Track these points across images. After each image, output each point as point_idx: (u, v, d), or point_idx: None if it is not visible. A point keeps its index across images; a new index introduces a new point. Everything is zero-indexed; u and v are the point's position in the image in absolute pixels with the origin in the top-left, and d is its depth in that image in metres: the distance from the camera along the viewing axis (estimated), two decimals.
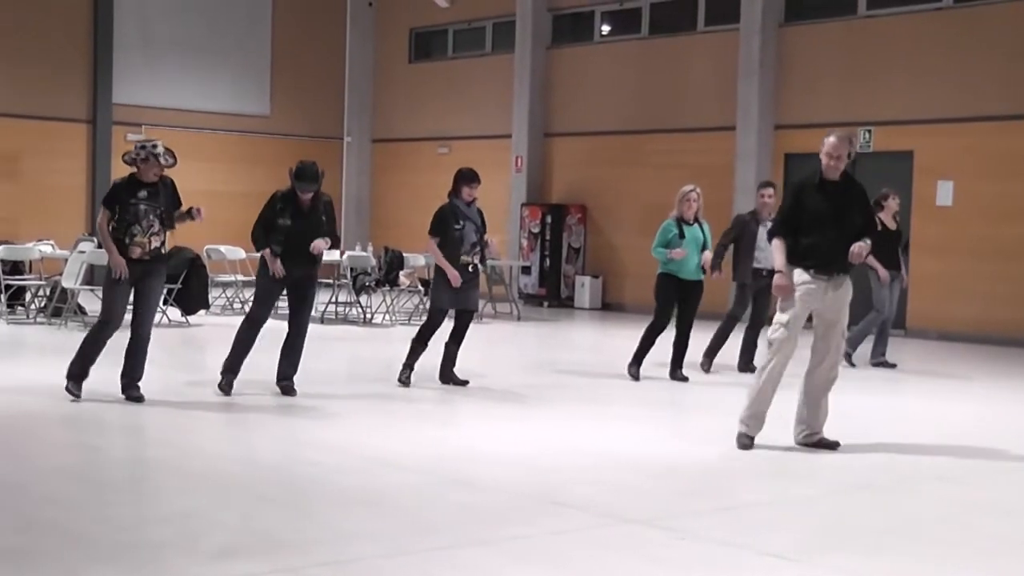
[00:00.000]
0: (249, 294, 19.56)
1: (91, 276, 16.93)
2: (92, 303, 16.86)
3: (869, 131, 19.16)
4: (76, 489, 7.28)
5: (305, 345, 10.79)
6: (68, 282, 16.27)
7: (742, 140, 20.73)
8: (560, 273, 23.25)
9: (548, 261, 23.26)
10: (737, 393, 11.89)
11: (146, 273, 9.97)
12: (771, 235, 9.10)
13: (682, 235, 12.30)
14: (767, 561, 6.06)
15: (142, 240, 9.87)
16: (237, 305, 19.32)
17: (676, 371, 12.58)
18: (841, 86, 19.79)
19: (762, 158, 20.56)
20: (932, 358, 14.26)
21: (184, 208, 10.16)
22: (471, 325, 11.75)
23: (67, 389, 9.94)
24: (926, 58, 18.79)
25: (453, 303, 11.48)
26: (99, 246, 17.30)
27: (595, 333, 19.72)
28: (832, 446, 8.91)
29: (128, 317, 10.23)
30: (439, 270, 11.42)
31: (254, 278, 19.87)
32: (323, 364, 12.62)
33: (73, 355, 10.09)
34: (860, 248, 8.82)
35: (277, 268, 10.43)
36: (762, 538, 6.50)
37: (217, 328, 16.63)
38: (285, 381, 10.66)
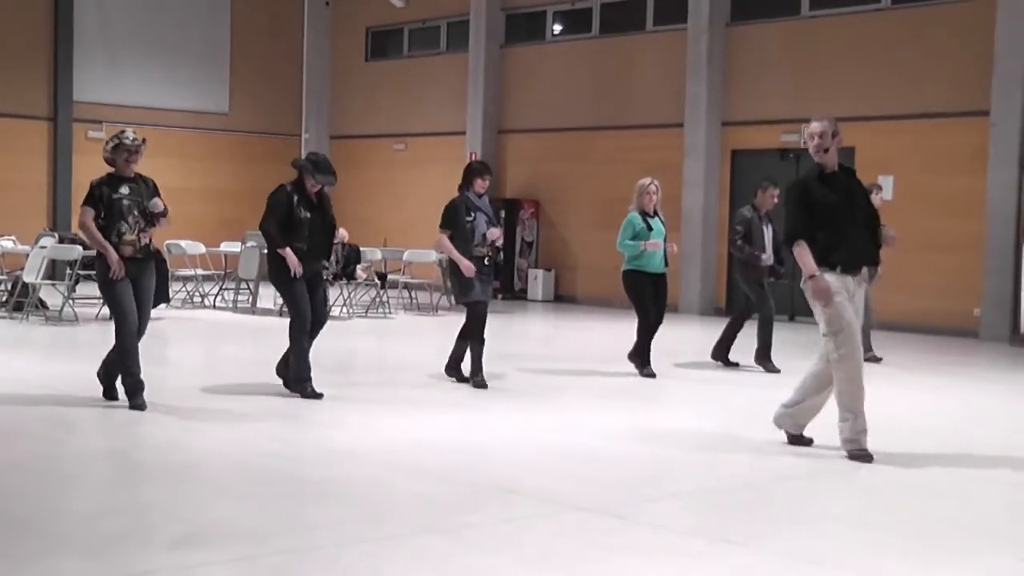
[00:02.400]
0: (209, 287, 19.53)
1: (52, 271, 16.79)
2: (53, 297, 16.73)
3: None
4: (32, 481, 7.17)
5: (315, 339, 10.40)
6: (29, 277, 16.13)
7: (690, 136, 20.79)
8: (514, 266, 23.24)
9: (502, 254, 23.24)
10: (700, 389, 11.95)
11: (140, 272, 9.43)
12: (789, 241, 8.30)
13: (649, 228, 12.14)
14: (713, 546, 6.07)
15: (132, 238, 9.35)
16: (197, 299, 19.22)
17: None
18: (786, 84, 19.90)
19: (710, 154, 20.64)
20: (874, 348, 14.33)
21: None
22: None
23: (133, 407, 9.27)
24: (867, 57, 18.92)
25: (481, 294, 11.11)
26: (65, 243, 17.12)
27: (548, 325, 19.73)
28: (807, 442, 8.54)
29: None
30: (455, 265, 11.09)
31: (216, 272, 19.84)
32: (280, 356, 12.52)
33: (120, 374, 9.48)
34: (893, 231, 8.27)
35: (299, 267, 9.98)
36: (711, 524, 6.51)
37: (178, 322, 16.52)
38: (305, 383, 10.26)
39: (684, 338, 16.26)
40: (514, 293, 23.14)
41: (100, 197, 9.35)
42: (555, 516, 6.61)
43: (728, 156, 20.69)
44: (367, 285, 19.00)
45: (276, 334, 12.74)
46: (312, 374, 10.22)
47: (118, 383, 9.57)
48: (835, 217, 8.18)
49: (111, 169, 9.50)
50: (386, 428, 9.13)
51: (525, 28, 24.40)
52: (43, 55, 24.69)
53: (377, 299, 18.84)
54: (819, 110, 18.83)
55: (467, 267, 10.97)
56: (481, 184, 11.25)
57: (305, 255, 10.05)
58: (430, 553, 5.81)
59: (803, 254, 8.16)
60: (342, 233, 10.37)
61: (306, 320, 10.12)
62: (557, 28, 23.89)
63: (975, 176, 17.63)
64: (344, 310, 18.26)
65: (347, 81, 27.29)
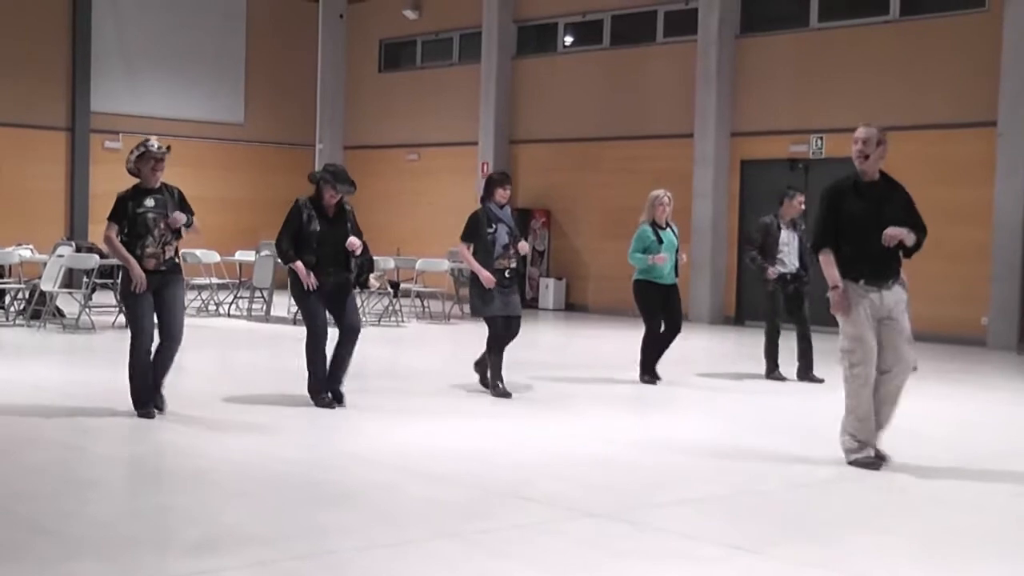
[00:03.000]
0: (224, 296, 19.56)
1: (69, 279, 16.85)
2: (70, 305, 16.78)
3: (820, 138, 19.26)
4: (51, 486, 7.19)
5: (355, 351, 10.23)
6: (47, 285, 16.18)
7: (700, 147, 20.79)
8: (525, 275, 23.24)
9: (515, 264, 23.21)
10: (710, 397, 11.94)
11: (164, 283, 9.28)
12: (815, 249, 8.22)
13: (660, 240, 12.14)
14: (724, 551, 6.06)
15: (156, 251, 9.23)
16: (212, 307, 19.26)
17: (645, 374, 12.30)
18: (794, 95, 19.89)
19: (719, 164, 20.63)
20: None
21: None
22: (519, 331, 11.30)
23: (141, 416, 9.22)
24: (875, 68, 18.91)
25: (501, 309, 11.05)
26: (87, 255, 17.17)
27: (560, 333, 19.71)
28: (883, 459, 8.19)
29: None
30: (475, 279, 11.05)
31: (230, 281, 19.89)
32: (294, 364, 12.54)
33: (129, 382, 9.39)
34: (895, 231, 7.95)
35: (311, 281, 9.89)
36: (722, 530, 6.49)
37: (192, 329, 16.48)
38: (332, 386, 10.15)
39: (695, 347, 16.24)
40: (525, 302, 23.06)
41: (125, 212, 9.24)
42: (567, 521, 6.61)
43: (737, 166, 20.68)
44: (380, 294, 19.03)
45: (289, 342, 12.77)
46: (333, 386, 10.11)
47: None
48: (861, 229, 8.01)
49: (136, 181, 9.40)
50: (399, 435, 9.14)
51: (537, 39, 24.42)
52: (61, 66, 24.78)
53: (390, 308, 18.85)
54: (826, 121, 19.00)
55: (487, 278, 10.94)
56: (502, 194, 11.16)
57: (316, 267, 9.95)
58: (443, 558, 5.81)
59: (828, 264, 8.06)
60: (352, 242, 10.19)
61: (319, 336, 10.05)
62: (568, 39, 23.91)
63: (982, 186, 17.61)
64: None
65: (361, 92, 27.34)
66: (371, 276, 19.14)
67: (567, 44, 23.93)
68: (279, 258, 10.21)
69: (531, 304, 23.10)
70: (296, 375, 10.85)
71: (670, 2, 21.87)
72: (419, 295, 20.13)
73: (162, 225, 9.28)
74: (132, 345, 9.32)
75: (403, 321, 18.86)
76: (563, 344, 18.35)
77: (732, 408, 11.15)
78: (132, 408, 9.36)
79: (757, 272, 12.88)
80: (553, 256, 23.44)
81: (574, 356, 16.29)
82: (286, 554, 5.78)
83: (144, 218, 9.23)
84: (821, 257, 8.11)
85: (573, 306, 22.92)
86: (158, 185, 9.41)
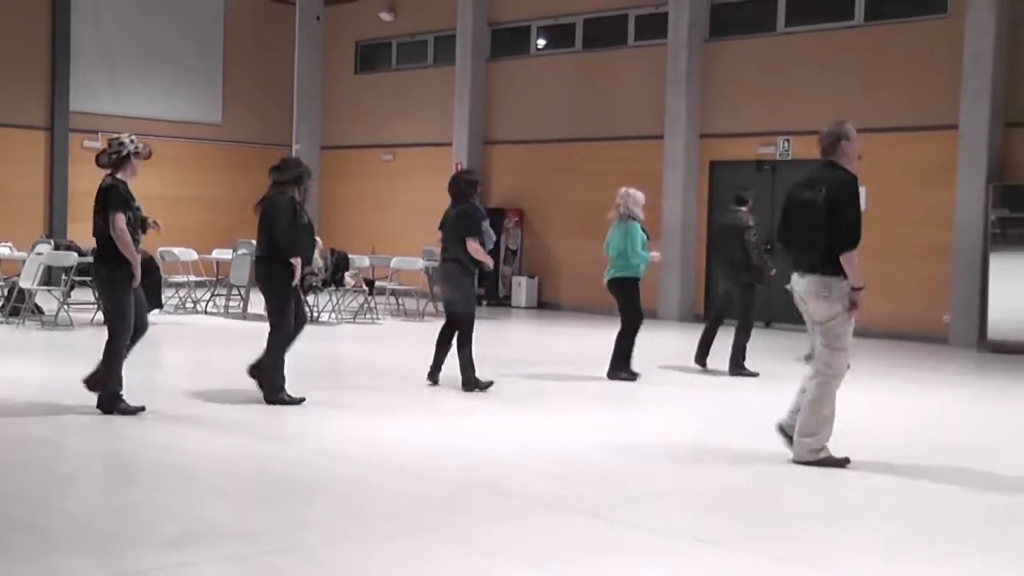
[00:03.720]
0: (201, 293, 19.47)
1: (48, 277, 16.73)
2: (49, 303, 16.66)
3: (788, 140, 19.32)
4: (28, 482, 7.14)
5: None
6: (26, 283, 16.06)
7: (670, 148, 20.80)
8: (498, 273, 23.21)
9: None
10: (681, 393, 11.96)
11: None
12: (853, 244, 7.84)
13: (648, 237, 12.29)
14: (695, 546, 6.07)
15: (141, 247, 9.22)
16: (189, 304, 19.18)
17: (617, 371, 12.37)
18: (762, 98, 19.93)
19: (689, 165, 20.65)
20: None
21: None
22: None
23: (124, 412, 9.16)
24: (840, 72, 18.97)
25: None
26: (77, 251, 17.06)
27: (532, 331, 19.71)
28: (841, 463, 8.00)
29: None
30: (461, 280, 11.13)
31: (208, 279, 19.79)
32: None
33: (108, 379, 9.24)
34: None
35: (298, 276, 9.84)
36: (692, 524, 6.49)
37: (171, 327, 16.45)
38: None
39: (665, 344, 16.26)
40: (498, 300, 23.11)
41: (128, 204, 9.02)
42: (539, 516, 6.61)
43: (706, 167, 20.72)
44: (355, 291, 18.99)
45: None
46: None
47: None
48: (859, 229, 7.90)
49: (106, 172, 9.16)
50: (374, 431, 9.11)
51: (510, 42, 24.39)
52: (40, 66, 24.61)
53: (365, 305, 18.81)
54: (793, 123, 19.05)
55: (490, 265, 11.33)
56: (481, 192, 11.23)
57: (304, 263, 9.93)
58: (417, 552, 5.80)
59: (855, 264, 7.75)
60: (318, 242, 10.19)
61: (292, 335, 10.03)
62: (541, 42, 23.89)
63: (944, 187, 17.70)
64: (333, 316, 18.24)
65: (337, 93, 27.26)
66: (346, 274, 19.16)
67: (540, 47, 23.91)
68: (283, 251, 9.79)
69: (503, 302, 23.09)
70: None
71: (641, 6, 21.89)
72: (394, 293, 20.11)
73: (141, 221, 9.22)
74: (119, 338, 9.13)
75: (378, 319, 18.82)
76: (536, 341, 18.36)
77: (703, 404, 11.17)
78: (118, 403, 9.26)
79: (768, 267, 12.88)
80: (526, 255, 23.43)
81: (547, 353, 16.29)
82: (262, 548, 5.75)
83: (138, 214, 9.12)
84: (848, 256, 7.74)
85: (545, 304, 22.91)
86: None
